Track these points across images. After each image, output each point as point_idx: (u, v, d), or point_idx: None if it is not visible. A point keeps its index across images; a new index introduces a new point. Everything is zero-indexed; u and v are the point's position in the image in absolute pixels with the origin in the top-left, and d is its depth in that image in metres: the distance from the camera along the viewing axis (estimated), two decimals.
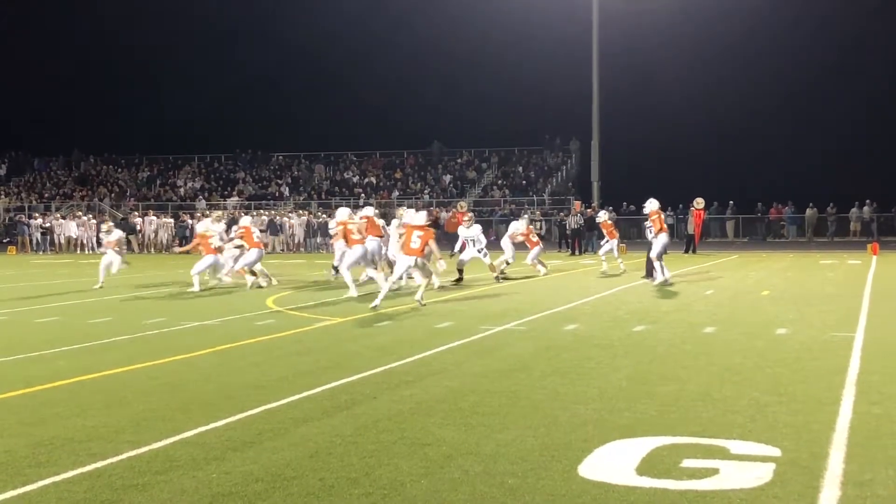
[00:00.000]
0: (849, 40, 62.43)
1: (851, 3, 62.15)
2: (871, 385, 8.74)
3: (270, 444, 6.89)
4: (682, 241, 38.70)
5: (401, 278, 18.15)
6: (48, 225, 46.71)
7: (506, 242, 23.98)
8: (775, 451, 6.44)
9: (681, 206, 45.22)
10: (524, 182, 58.26)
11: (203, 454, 6.62)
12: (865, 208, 47.07)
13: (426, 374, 9.65)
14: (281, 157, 65.41)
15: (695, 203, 37.48)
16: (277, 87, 73.40)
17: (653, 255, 21.10)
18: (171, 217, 48.70)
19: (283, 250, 43.46)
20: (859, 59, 62.93)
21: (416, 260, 16.90)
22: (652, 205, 21.40)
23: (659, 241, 20.76)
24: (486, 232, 25.39)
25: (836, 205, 47.58)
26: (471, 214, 22.90)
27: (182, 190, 61.54)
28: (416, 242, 16.75)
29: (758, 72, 64.19)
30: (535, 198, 54.65)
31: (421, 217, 17.71)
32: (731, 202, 49.73)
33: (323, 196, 58.22)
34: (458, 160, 62.62)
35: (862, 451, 6.46)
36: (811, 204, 47.69)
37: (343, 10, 68.70)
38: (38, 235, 45.75)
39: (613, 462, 6.26)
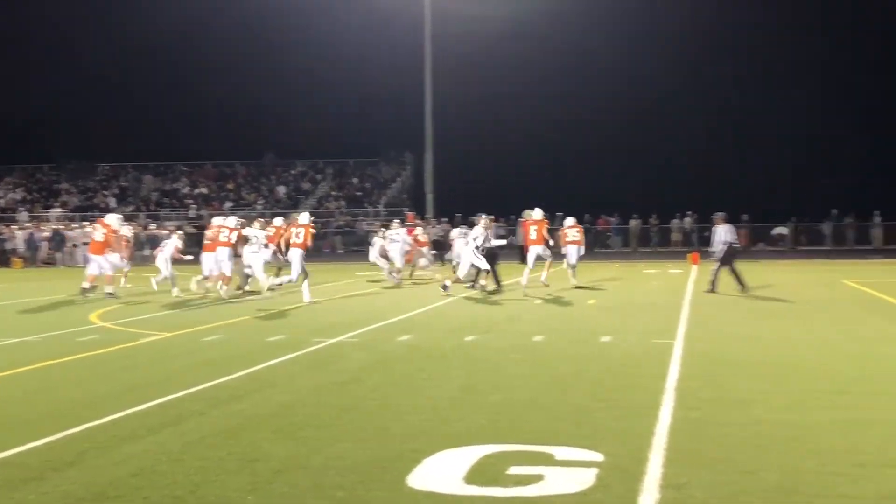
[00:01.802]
0: (685, 59, 64.84)
1: (683, 24, 64.58)
2: (689, 390, 9.09)
3: (93, 462, 6.69)
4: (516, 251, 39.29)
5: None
6: None
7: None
8: (598, 457, 6.63)
9: (513, 216, 46.01)
10: (359, 194, 58.25)
11: (21, 475, 6.37)
12: (686, 219, 48.93)
13: (256, 389, 9.54)
14: (107, 167, 63.43)
15: (524, 214, 38.12)
16: (104, 94, 71.15)
17: (573, 261, 23.71)
18: None
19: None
20: (689, 76, 65.40)
21: (542, 248, 21.17)
22: (537, 214, 23.43)
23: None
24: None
25: (658, 216, 49.32)
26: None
27: (2, 201, 59.00)
28: (533, 234, 21.67)
29: (591, 86, 65.82)
30: (370, 209, 54.72)
31: (538, 213, 22.35)
32: (559, 213, 50.87)
33: (151, 207, 56.83)
34: (292, 171, 62.14)
35: (680, 454, 6.70)
36: (635, 215, 49.25)
37: (175, 17, 67.14)
38: None
39: (442, 472, 6.32)
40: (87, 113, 67.16)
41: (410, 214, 43.20)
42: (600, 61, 65.09)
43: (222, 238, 21.31)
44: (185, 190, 60.09)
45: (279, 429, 7.70)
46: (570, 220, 24.86)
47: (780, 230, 49.01)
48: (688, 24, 64.83)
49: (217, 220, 22.71)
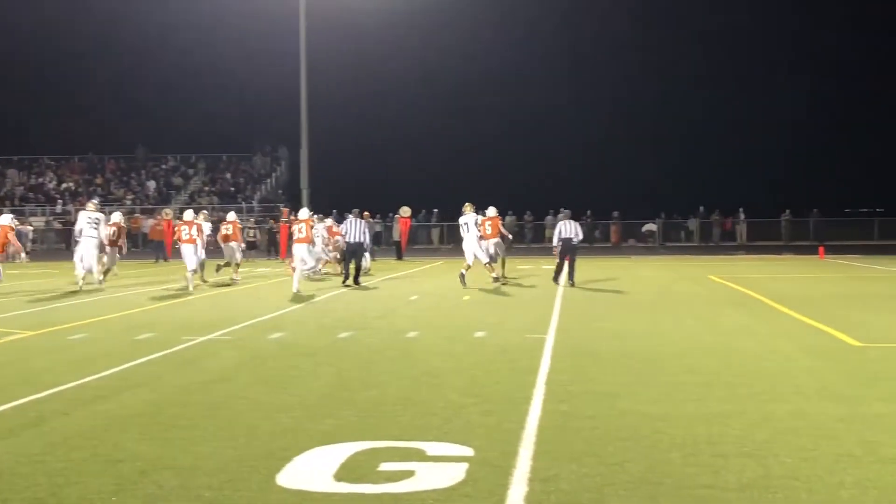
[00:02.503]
0: (565, 60, 65.84)
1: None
2: (560, 384, 9.23)
3: None
4: (391, 247, 39.41)
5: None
6: None
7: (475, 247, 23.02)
8: (469, 451, 6.67)
9: (391, 214, 46.12)
10: (233, 189, 57.45)
11: None
12: (560, 216, 49.69)
13: (123, 388, 9.31)
14: None
15: (401, 211, 38.29)
16: None
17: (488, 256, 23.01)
18: None
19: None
20: (570, 77, 66.51)
21: (494, 241, 23.03)
22: (490, 211, 23.76)
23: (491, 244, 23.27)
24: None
25: (533, 213, 50.02)
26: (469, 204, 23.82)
27: None
28: (489, 229, 23.02)
29: (468, 85, 66.36)
30: (244, 205, 54.03)
31: (492, 211, 23.61)
32: (437, 210, 51.14)
33: (16, 202, 54.99)
34: (164, 166, 60.92)
35: (549, 447, 6.80)
36: (510, 211, 49.84)
37: (42, 6, 65.11)
38: None
39: (312, 469, 6.28)
40: None
41: (285, 210, 42.80)
42: (477, 62, 65.62)
43: (184, 235, 22.15)
44: (52, 185, 58.31)
45: (145, 428, 7.53)
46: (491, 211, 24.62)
47: (650, 227, 50.25)
48: (566, 26, 65.91)
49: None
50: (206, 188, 57.77)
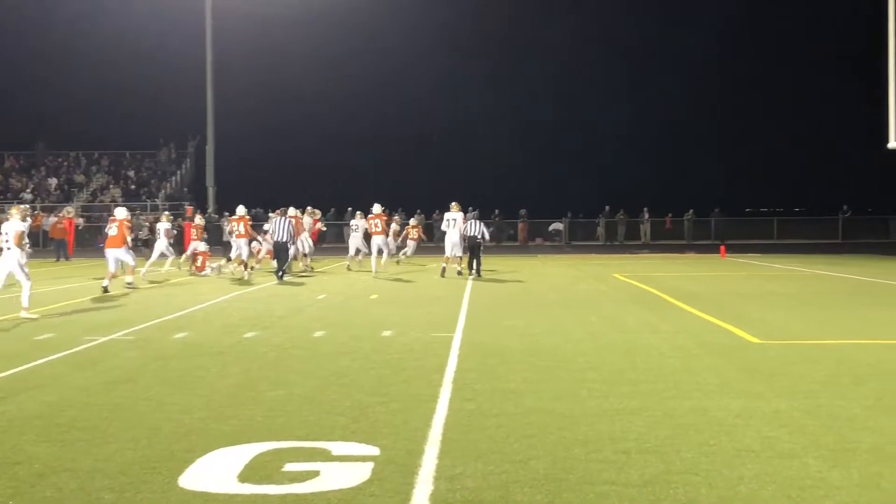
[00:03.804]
0: (488, 65, 66.06)
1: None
2: (466, 382, 9.27)
3: None
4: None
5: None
6: None
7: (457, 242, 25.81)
8: (375, 451, 6.66)
9: (299, 212, 45.79)
10: (133, 187, 56.45)
11: None
12: (469, 214, 49.97)
13: (21, 390, 9.09)
14: None
15: (309, 211, 37.99)
16: None
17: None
18: None
19: None
20: (496, 84, 66.90)
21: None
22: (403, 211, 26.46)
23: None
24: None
25: (441, 212, 50.16)
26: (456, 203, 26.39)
27: None
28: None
29: (378, 85, 66.24)
30: (148, 202, 53.14)
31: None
32: (350, 208, 50.94)
33: None
34: (65, 162, 59.57)
35: (455, 445, 6.83)
36: (419, 211, 49.96)
37: None
38: None
39: (216, 471, 6.21)
40: None
41: (189, 208, 42.24)
42: (385, 63, 65.54)
43: (235, 231, 25.29)
44: None
45: (44, 431, 7.37)
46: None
47: (556, 226, 50.79)
48: (476, 31, 66.19)
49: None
50: (111, 185, 56.66)
